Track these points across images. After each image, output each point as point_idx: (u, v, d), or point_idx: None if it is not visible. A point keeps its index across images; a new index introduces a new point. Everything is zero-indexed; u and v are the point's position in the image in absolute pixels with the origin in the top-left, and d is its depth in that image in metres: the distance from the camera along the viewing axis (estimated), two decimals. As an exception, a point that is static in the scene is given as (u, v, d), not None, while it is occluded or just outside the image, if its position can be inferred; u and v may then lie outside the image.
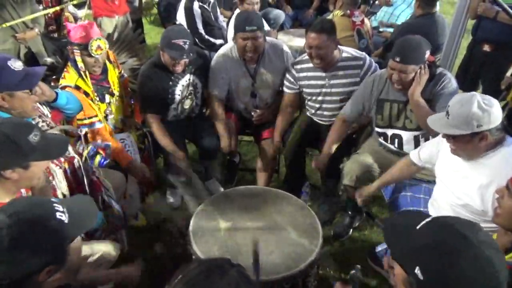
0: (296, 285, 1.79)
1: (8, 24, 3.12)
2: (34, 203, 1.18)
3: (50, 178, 1.83)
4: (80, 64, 2.30)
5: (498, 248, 0.95)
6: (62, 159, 1.92)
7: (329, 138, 2.51)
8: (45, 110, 2.05)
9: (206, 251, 1.83)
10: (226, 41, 3.84)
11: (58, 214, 1.13)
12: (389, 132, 2.37)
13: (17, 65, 1.73)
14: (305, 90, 2.67)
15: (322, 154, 2.51)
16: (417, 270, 0.94)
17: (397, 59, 2.10)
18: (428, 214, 1.08)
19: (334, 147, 2.51)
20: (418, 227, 0.99)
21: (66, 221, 1.13)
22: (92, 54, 2.26)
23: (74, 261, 1.21)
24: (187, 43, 2.41)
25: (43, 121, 1.96)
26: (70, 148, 2.01)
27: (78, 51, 2.27)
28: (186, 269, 1.00)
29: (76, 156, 1.99)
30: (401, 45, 2.14)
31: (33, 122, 1.88)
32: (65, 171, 1.91)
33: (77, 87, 2.30)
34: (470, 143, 1.66)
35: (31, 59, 3.36)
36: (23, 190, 1.55)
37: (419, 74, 2.10)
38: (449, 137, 1.72)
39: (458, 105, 1.65)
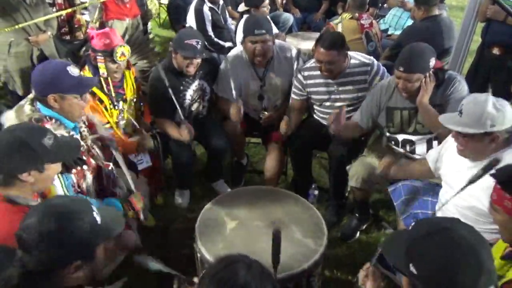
0: (300, 284, 1.81)
1: (21, 25, 3.18)
2: (74, 199, 1.28)
3: (82, 181, 1.90)
4: (103, 71, 2.36)
5: (475, 230, 1.04)
6: (93, 163, 1.99)
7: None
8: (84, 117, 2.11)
9: (212, 249, 1.85)
10: (234, 44, 3.87)
11: (94, 213, 1.20)
12: (400, 137, 2.37)
13: (75, 71, 1.85)
14: (313, 96, 2.68)
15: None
16: (411, 268, 1.01)
17: (401, 69, 2.11)
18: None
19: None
20: (408, 229, 1.08)
21: (99, 222, 1.20)
22: (116, 61, 2.33)
23: (99, 263, 1.25)
24: (199, 43, 2.47)
25: (85, 127, 2.04)
26: (100, 153, 2.08)
27: (102, 58, 2.33)
28: (209, 266, 1.04)
29: (111, 164, 2.07)
30: (405, 54, 2.14)
31: (77, 127, 1.97)
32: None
33: (92, 93, 2.34)
34: (480, 143, 1.66)
35: (43, 61, 3.41)
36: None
37: (425, 82, 2.10)
38: (459, 136, 1.71)
39: (473, 104, 1.65)
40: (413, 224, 1.09)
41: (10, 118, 1.80)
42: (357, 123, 2.48)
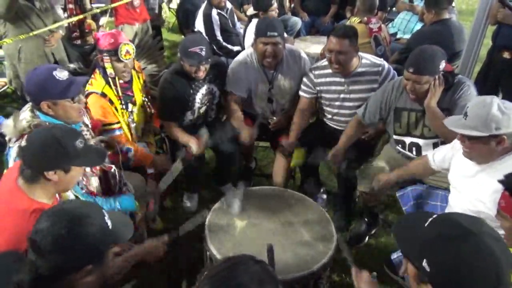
0: (307, 287, 1.81)
1: (35, 32, 3.24)
2: (86, 204, 1.29)
3: (85, 183, 1.90)
4: (110, 71, 2.36)
5: (500, 238, 1.00)
6: (97, 167, 1.99)
7: (344, 134, 2.52)
8: (86, 119, 2.12)
9: (220, 247, 1.87)
10: (243, 48, 3.89)
11: (105, 218, 1.21)
12: (407, 140, 2.36)
13: (62, 75, 1.81)
14: (323, 95, 2.68)
15: (337, 147, 2.48)
16: (424, 263, 1.00)
17: (411, 70, 2.10)
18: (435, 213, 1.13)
19: (348, 142, 2.50)
20: (426, 224, 1.05)
21: (110, 227, 1.21)
22: (121, 59, 2.33)
23: (108, 268, 1.27)
24: (203, 49, 2.47)
25: (87, 130, 2.05)
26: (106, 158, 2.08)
27: (108, 57, 2.34)
28: (212, 266, 1.04)
29: (113, 166, 2.07)
30: (416, 55, 2.14)
31: (78, 130, 1.95)
32: (99, 178, 1.99)
33: (103, 94, 2.36)
34: (486, 146, 1.65)
35: (54, 65, 3.48)
36: None
37: (433, 85, 2.10)
38: (465, 139, 1.70)
39: (477, 107, 1.64)
40: (435, 216, 1.05)
41: (8, 125, 1.79)
42: (359, 120, 2.48)
